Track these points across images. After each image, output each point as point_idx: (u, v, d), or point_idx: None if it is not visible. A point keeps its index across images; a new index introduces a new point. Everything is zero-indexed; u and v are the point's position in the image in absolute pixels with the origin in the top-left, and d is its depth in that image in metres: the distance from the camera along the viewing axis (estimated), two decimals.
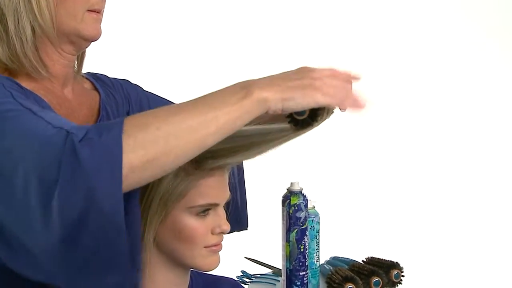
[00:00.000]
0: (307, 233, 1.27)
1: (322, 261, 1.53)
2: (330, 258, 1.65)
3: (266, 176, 2.74)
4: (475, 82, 3.50)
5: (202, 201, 1.00)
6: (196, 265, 1.03)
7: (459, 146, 3.45)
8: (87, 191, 0.74)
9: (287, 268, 1.28)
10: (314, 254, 1.40)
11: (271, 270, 1.66)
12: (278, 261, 1.36)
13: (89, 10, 0.99)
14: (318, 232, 1.41)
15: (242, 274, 1.63)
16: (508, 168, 3.57)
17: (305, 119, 0.90)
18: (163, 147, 0.78)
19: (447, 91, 3.46)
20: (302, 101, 0.85)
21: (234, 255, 1.81)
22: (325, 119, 0.92)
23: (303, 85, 0.85)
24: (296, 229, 1.25)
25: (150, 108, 1.11)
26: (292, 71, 0.89)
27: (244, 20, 3.28)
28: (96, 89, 1.12)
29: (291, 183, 1.27)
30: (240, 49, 3.25)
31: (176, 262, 1.04)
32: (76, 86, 1.07)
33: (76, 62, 1.07)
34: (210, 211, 1.02)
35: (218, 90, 0.85)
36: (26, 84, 0.97)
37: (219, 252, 1.06)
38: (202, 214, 1.01)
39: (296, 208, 1.24)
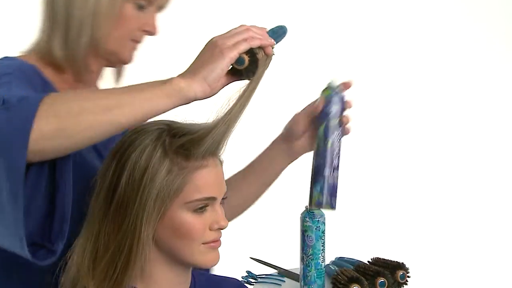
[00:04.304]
0: (335, 131, 1.26)
1: (327, 262, 1.53)
2: (335, 259, 1.65)
3: None
4: (478, 82, 3.49)
5: (199, 195, 0.99)
6: (195, 262, 1.03)
7: (464, 147, 3.44)
8: None
9: None
10: (320, 255, 1.40)
11: (276, 271, 1.66)
12: (283, 262, 1.36)
13: (132, 39, 1.14)
14: (324, 233, 1.40)
15: (247, 275, 1.63)
16: None
17: (247, 66, 0.99)
18: (76, 118, 0.83)
19: (452, 91, 3.45)
20: (217, 65, 0.95)
21: (239, 255, 1.82)
22: (265, 58, 1.01)
23: (210, 54, 0.96)
24: (324, 123, 1.25)
25: None
26: (202, 51, 0.99)
27: (242, 20, 3.27)
28: None
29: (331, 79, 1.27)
30: None
31: (176, 260, 1.03)
32: None
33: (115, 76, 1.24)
34: (208, 207, 1.01)
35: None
36: (53, 77, 1.09)
37: (220, 250, 1.05)
38: (200, 211, 1.00)
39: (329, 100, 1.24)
